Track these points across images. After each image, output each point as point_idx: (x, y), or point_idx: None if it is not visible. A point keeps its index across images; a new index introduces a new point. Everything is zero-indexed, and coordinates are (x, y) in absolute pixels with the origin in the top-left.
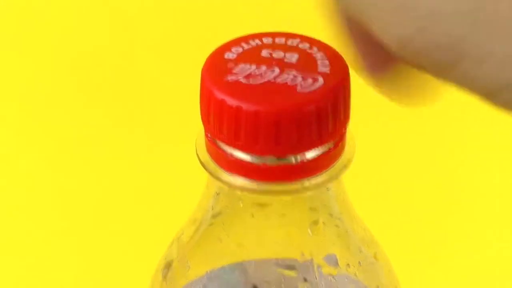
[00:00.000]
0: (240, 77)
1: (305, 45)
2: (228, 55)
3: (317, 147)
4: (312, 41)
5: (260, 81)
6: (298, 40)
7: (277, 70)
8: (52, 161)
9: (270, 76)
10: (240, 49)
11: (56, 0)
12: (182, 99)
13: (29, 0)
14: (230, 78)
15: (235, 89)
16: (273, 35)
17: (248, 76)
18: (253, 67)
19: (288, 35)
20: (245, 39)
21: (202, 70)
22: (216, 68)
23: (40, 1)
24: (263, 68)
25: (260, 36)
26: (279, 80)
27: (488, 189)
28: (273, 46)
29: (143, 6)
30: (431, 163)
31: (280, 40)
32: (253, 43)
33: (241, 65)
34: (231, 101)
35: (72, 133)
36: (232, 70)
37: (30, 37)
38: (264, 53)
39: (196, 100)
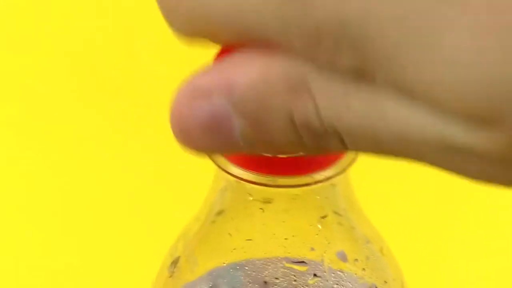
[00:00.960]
0: None
1: None
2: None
3: None
4: None
5: None
6: None
7: None
8: (55, 160)
9: None
10: None
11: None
12: None
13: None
14: None
15: None
16: None
17: None
18: None
19: None
20: None
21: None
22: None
23: (40, 1)
24: None
25: None
26: None
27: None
28: None
29: (143, 6)
30: None
31: None
32: None
33: None
34: None
35: (75, 131)
36: None
37: (30, 37)
38: None
39: None
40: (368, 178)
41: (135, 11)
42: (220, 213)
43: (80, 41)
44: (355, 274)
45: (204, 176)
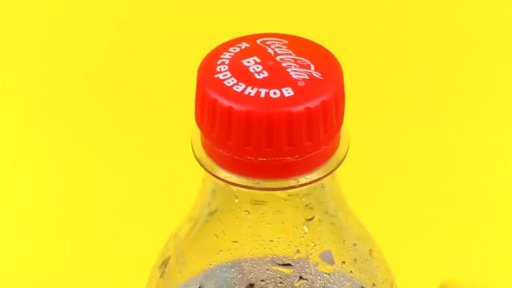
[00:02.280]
0: (228, 76)
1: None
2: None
3: None
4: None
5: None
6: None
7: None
8: (51, 160)
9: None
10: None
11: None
12: (179, 98)
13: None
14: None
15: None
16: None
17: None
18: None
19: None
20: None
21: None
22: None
23: (40, 1)
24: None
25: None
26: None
27: (484, 185)
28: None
29: (143, 6)
30: (425, 157)
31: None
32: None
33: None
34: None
35: (70, 132)
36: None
37: (30, 37)
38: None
39: (193, 99)
40: (359, 178)
41: (136, 11)
42: (209, 214)
43: (81, 42)
44: (342, 276)
45: (195, 177)
